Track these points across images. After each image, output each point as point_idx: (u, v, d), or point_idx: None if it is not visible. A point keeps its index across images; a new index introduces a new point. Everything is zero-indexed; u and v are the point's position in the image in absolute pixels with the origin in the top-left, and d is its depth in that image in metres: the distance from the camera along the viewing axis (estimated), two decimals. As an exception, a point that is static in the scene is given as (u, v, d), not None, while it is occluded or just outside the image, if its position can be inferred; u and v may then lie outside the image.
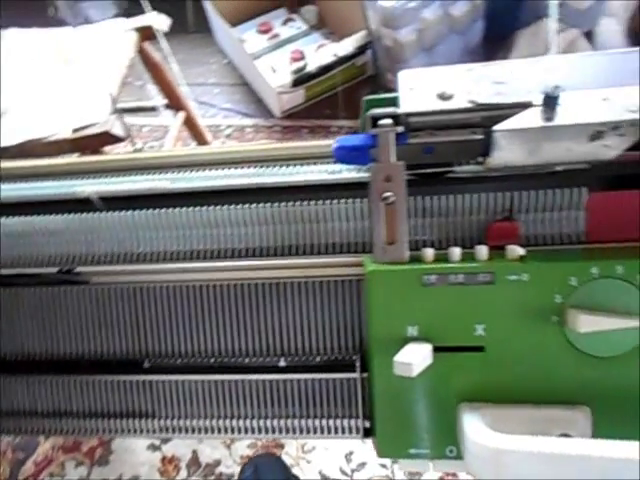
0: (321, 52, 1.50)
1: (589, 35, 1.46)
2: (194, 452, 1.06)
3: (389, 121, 0.32)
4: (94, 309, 0.41)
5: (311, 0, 1.65)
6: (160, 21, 0.99)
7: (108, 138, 0.84)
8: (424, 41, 1.37)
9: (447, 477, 0.97)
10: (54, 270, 0.42)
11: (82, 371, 0.41)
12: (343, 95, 1.41)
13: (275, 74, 1.47)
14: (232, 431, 0.40)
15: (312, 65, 1.43)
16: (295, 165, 0.41)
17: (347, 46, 1.43)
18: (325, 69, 1.43)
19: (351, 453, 1.03)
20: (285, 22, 1.63)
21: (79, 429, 0.43)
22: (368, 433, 0.38)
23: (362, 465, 1.03)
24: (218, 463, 1.04)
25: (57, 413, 0.43)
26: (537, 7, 1.29)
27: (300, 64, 1.45)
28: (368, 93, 0.35)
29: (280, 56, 1.55)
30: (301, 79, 1.43)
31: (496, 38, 1.46)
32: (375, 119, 0.33)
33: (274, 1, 1.66)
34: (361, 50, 1.44)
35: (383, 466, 1.00)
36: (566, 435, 0.32)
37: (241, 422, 0.40)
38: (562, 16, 1.41)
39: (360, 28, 1.43)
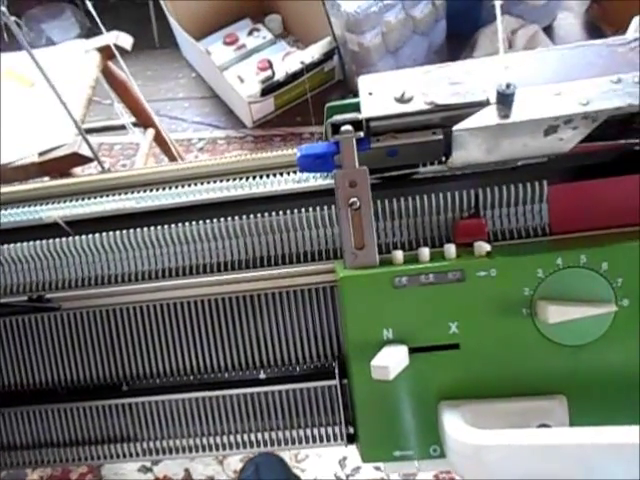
0: (288, 60, 1.50)
1: (548, 30, 1.49)
2: (186, 470, 1.05)
3: (349, 127, 0.33)
4: (67, 335, 0.40)
5: (275, 9, 1.65)
6: (122, 40, 0.98)
7: (76, 159, 0.82)
8: (389, 44, 1.39)
9: (442, 475, 0.98)
10: (24, 298, 0.41)
11: (60, 399, 0.41)
12: (313, 101, 1.42)
13: (244, 84, 1.47)
14: (217, 448, 0.40)
15: (280, 73, 1.43)
16: (264, 176, 0.41)
17: (313, 53, 1.44)
18: (293, 77, 1.43)
19: (345, 459, 1.03)
20: (250, 32, 1.64)
21: (61, 458, 0.42)
22: (352, 439, 0.38)
23: (356, 469, 1.03)
24: (211, 480, 1.02)
25: (37, 444, 0.42)
26: (500, 4, 1.32)
27: (268, 73, 1.45)
28: (337, 98, 0.35)
29: (247, 66, 1.55)
30: (270, 88, 1.44)
31: (459, 37, 1.48)
32: (335, 126, 0.33)
33: (238, 12, 1.66)
34: (328, 56, 1.45)
35: (377, 469, 1.00)
36: (545, 425, 0.32)
37: (225, 438, 0.40)
38: (521, 12, 1.44)
39: (325, 34, 1.44)
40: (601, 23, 1.47)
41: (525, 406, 0.32)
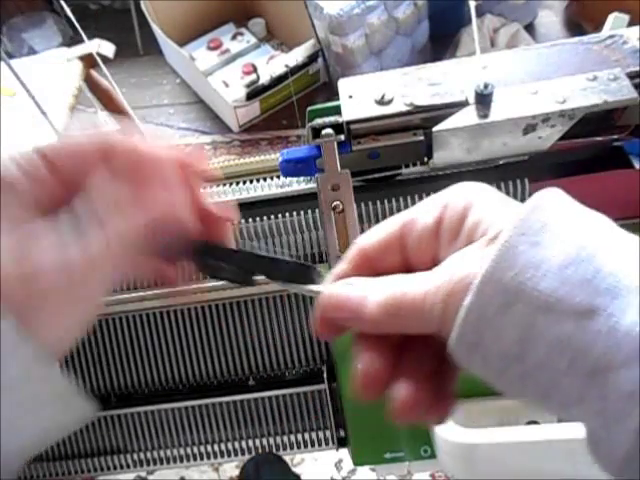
0: (272, 63, 1.50)
1: (529, 28, 1.51)
2: (182, 479, 1.04)
3: (330, 131, 0.33)
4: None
5: (258, 13, 1.65)
6: (104, 48, 0.98)
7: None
8: (372, 45, 1.39)
9: (438, 474, 0.98)
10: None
11: (47, 413, 0.40)
12: (299, 104, 1.42)
13: (228, 89, 1.47)
14: (209, 457, 0.40)
15: (265, 77, 1.43)
16: (247, 181, 0.41)
17: (297, 56, 1.44)
18: (278, 80, 1.43)
19: (340, 461, 1.03)
20: (234, 37, 1.63)
21: (52, 473, 0.42)
22: (343, 443, 0.38)
23: (352, 472, 1.03)
24: (207, 487, 1.02)
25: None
26: (479, 4, 1.33)
27: (252, 77, 1.45)
28: (323, 100, 0.35)
29: (232, 71, 1.55)
30: (255, 92, 1.43)
31: (442, 37, 1.49)
32: (316, 130, 0.33)
33: (221, 17, 1.65)
34: (312, 58, 1.45)
35: (373, 470, 1.00)
36: (534, 422, 0.32)
37: (216, 446, 0.39)
38: (502, 11, 1.45)
39: (309, 37, 1.44)
40: (581, 20, 1.49)
41: (513, 404, 0.32)
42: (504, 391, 0.19)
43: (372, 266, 0.21)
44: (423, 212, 0.20)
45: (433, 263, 0.20)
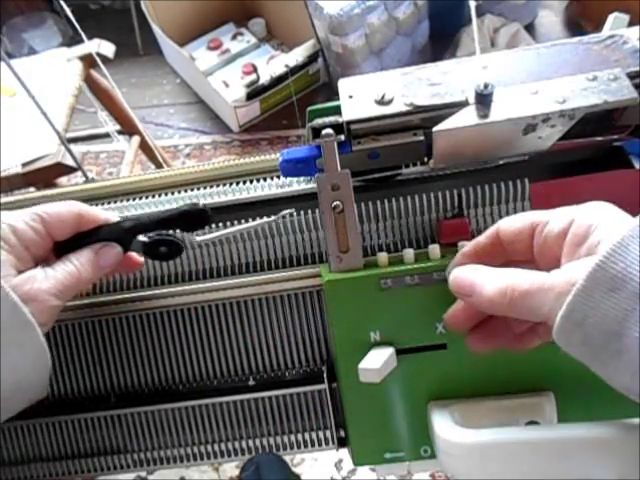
0: (272, 63, 1.50)
1: (530, 28, 1.51)
2: (182, 479, 1.04)
3: (330, 131, 0.33)
4: (52, 347, 0.40)
5: (258, 13, 1.65)
6: (104, 48, 0.98)
7: (60, 169, 0.82)
8: (372, 45, 1.40)
9: (438, 474, 0.98)
10: (8, 312, 0.40)
11: (46, 413, 0.40)
12: (299, 104, 1.42)
13: (229, 89, 1.47)
14: (209, 457, 0.40)
15: (265, 77, 1.44)
16: (247, 181, 0.41)
17: (297, 56, 1.44)
18: (278, 80, 1.44)
19: (340, 461, 1.03)
20: (234, 37, 1.64)
21: (52, 473, 0.42)
22: (343, 442, 0.38)
23: (352, 472, 1.03)
24: (207, 487, 1.02)
25: (26, 459, 0.42)
26: (479, 4, 1.33)
27: (253, 77, 1.45)
28: (323, 100, 0.35)
29: (232, 71, 1.55)
30: (255, 92, 1.44)
31: (442, 37, 1.49)
32: (316, 130, 0.33)
33: (221, 16, 1.66)
34: (312, 58, 1.46)
35: (373, 470, 1.00)
36: (533, 422, 0.32)
37: (216, 446, 0.39)
38: (503, 11, 1.45)
39: (309, 37, 1.44)
40: (581, 20, 1.49)
41: (513, 404, 0.32)
42: (598, 369, 0.22)
43: (502, 247, 0.26)
44: (552, 220, 0.24)
45: (552, 265, 0.22)
